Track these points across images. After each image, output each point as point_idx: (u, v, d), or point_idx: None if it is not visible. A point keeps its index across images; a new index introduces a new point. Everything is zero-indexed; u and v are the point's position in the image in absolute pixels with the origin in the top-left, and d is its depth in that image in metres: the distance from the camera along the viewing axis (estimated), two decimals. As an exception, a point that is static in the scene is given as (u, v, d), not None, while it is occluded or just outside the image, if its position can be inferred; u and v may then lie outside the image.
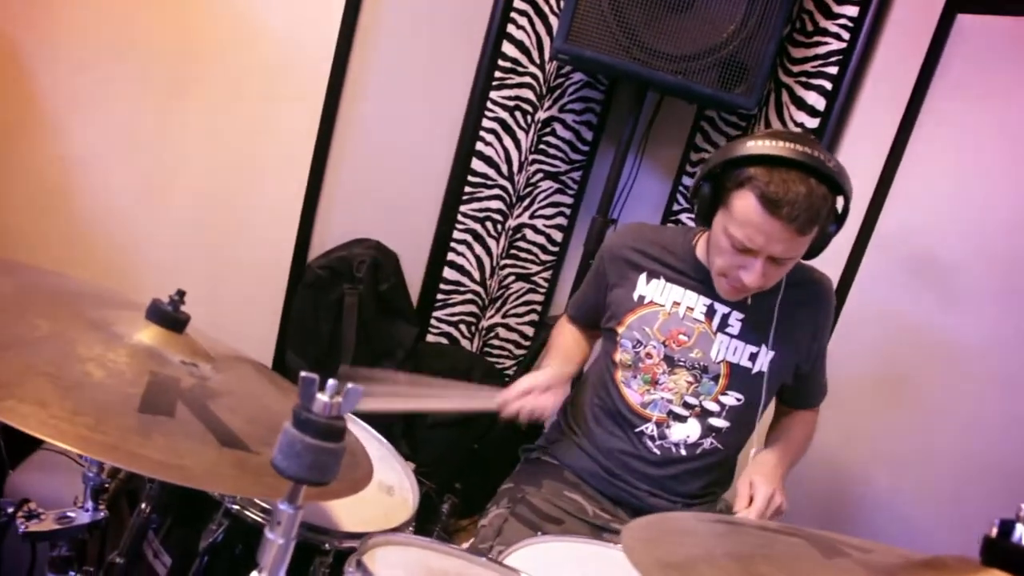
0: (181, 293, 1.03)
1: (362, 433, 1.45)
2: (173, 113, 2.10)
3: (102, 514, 1.18)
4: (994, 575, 0.68)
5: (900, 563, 0.74)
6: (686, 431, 1.56)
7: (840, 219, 1.40)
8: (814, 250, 1.44)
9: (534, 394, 1.47)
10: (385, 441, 1.48)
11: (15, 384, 0.73)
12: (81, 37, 1.98)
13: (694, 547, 0.74)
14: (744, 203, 1.34)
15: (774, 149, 1.31)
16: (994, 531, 0.70)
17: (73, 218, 2.12)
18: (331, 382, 0.65)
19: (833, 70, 2.08)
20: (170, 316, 1.01)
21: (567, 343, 1.74)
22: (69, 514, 1.16)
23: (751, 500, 1.41)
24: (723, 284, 1.47)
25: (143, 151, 2.12)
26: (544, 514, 1.53)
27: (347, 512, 1.20)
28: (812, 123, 2.10)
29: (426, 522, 2.06)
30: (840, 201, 1.38)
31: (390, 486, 1.38)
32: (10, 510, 1.15)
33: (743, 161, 1.34)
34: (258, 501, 1.10)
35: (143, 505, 1.20)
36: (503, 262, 2.62)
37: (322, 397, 0.65)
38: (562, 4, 2.21)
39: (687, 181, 2.52)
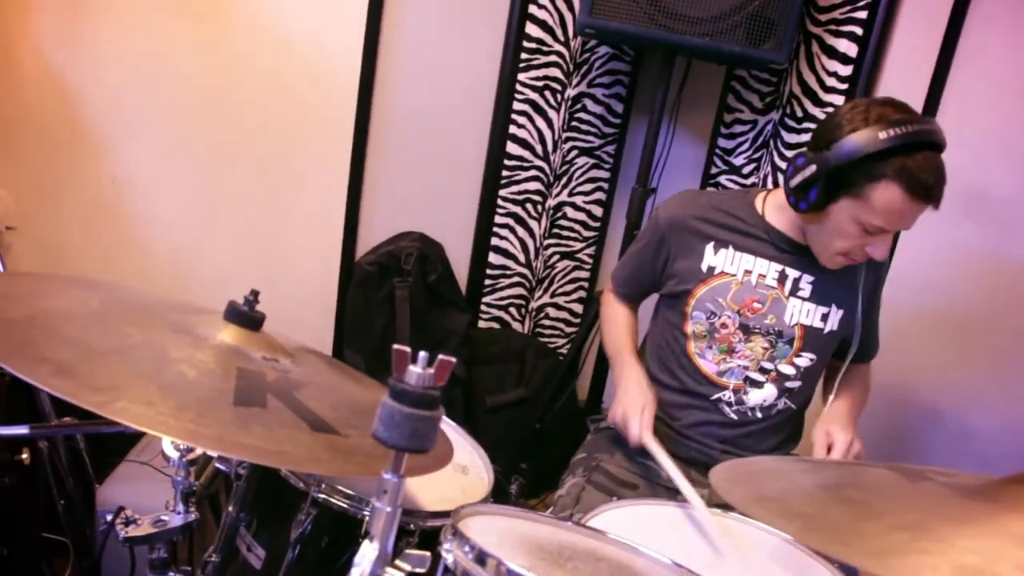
0: (255, 293, 1.07)
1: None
2: (212, 129, 2.17)
3: (193, 515, 1.23)
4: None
5: (987, 483, 0.75)
6: (763, 395, 1.57)
7: None
8: None
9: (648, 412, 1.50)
10: (452, 423, 1.48)
11: (123, 387, 0.78)
12: (121, 64, 2.05)
13: (784, 483, 0.76)
14: (889, 195, 1.31)
15: (907, 137, 1.28)
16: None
17: (126, 234, 2.20)
18: (422, 354, 0.68)
19: (862, 14, 2.05)
20: (247, 316, 1.05)
21: (631, 329, 1.72)
22: (163, 518, 1.21)
23: (830, 449, 1.43)
24: (839, 260, 1.47)
25: (186, 167, 2.19)
26: (620, 480, 1.55)
27: (427, 493, 1.23)
28: (845, 71, 2.08)
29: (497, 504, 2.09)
30: None
31: (464, 465, 1.41)
32: (108, 518, 1.21)
33: (876, 156, 1.30)
34: (341, 488, 1.14)
35: (230, 507, 1.26)
36: (546, 242, 2.64)
37: (415, 369, 0.68)
38: (582, -21, 2.22)
39: (723, 143, 2.51)
